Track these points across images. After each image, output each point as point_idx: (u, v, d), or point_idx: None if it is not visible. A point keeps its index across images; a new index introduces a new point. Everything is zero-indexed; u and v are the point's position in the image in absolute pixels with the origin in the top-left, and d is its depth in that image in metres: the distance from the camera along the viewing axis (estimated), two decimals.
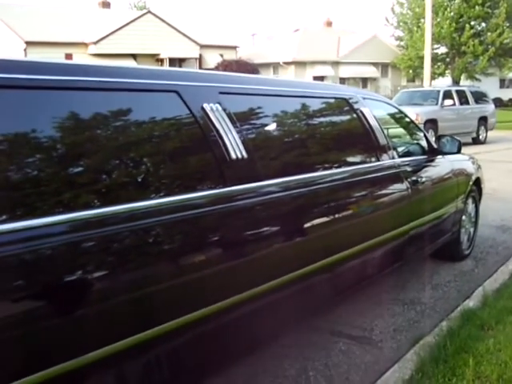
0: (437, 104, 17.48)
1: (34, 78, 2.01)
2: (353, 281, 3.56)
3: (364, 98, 4.02)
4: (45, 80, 2.04)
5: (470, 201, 5.34)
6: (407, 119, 4.95)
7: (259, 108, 3.06)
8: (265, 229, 2.70)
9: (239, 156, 2.59)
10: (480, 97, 19.64)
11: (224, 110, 2.65)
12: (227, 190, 2.50)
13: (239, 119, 2.73)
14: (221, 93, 2.73)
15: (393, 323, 3.86)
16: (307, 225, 2.99)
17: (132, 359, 2.04)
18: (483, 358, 3.10)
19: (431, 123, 16.43)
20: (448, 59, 38.16)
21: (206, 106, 2.56)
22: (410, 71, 39.96)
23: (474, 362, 3.05)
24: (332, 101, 3.85)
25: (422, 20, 31.59)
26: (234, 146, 2.58)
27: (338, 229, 3.20)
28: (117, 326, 1.98)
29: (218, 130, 2.54)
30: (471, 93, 19.12)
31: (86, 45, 32.61)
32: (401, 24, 39.35)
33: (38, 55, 25.97)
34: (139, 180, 2.26)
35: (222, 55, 34.22)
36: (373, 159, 3.79)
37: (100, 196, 2.07)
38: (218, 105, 2.63)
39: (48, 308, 1.76)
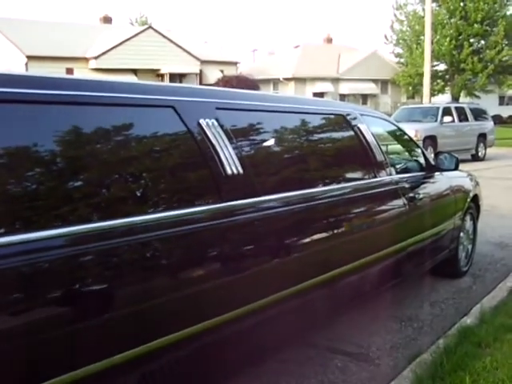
0: (436, 121, 17.52)
1: (32, 92, 2.02)
2: (350, 297, 3.55)
3: (362, 115, 4.03)
4: (42, 94, 2.05)
5: (467, 218, 5.33)
6: (405, 136, 4.96)
7: (256, 124, 3.06)
8: (261, 244, 2.70)
9: (235, 172, 2.59)
10: (479, 114, 19.70)
11: (221, 125, 2.65)
12: (223, 206, 2.50)
13: (236, 135, 2.74)
14: (218, 108, 2.74)
15: (390, 340, 3.83)
16: (304, 240, 2.98)
17: (129, 373, 2.04)
18: (480, 376, 3.08)
19: (430, 140, 16.48)
20: (447, 76, 38.31)
21: (202, 121, 2.57)
22: (410, 88, 40.07)
23: (471, 380, 3.02)
24: (329, 117, 3.86)
25: (422, 37, 31.71)
26: (231, 162, 2.58)
27: (335, 245, 3.20)
28: (115, 340, 1.98)
29: (214, 146, 2.55)
30: (470, 110, 19.18)
31: (86, 59, 32.73)
32: (400, 41, 39.56)
33: (38, 69, 26.11)
34: (136, 195, 2.27)
35: (222, 71, 34.42)
36: (370, 175, 3.80)
37: (96, 210, 2.07)
38: (214, 120, 2.63)
39: (45, 321, 1.76)
